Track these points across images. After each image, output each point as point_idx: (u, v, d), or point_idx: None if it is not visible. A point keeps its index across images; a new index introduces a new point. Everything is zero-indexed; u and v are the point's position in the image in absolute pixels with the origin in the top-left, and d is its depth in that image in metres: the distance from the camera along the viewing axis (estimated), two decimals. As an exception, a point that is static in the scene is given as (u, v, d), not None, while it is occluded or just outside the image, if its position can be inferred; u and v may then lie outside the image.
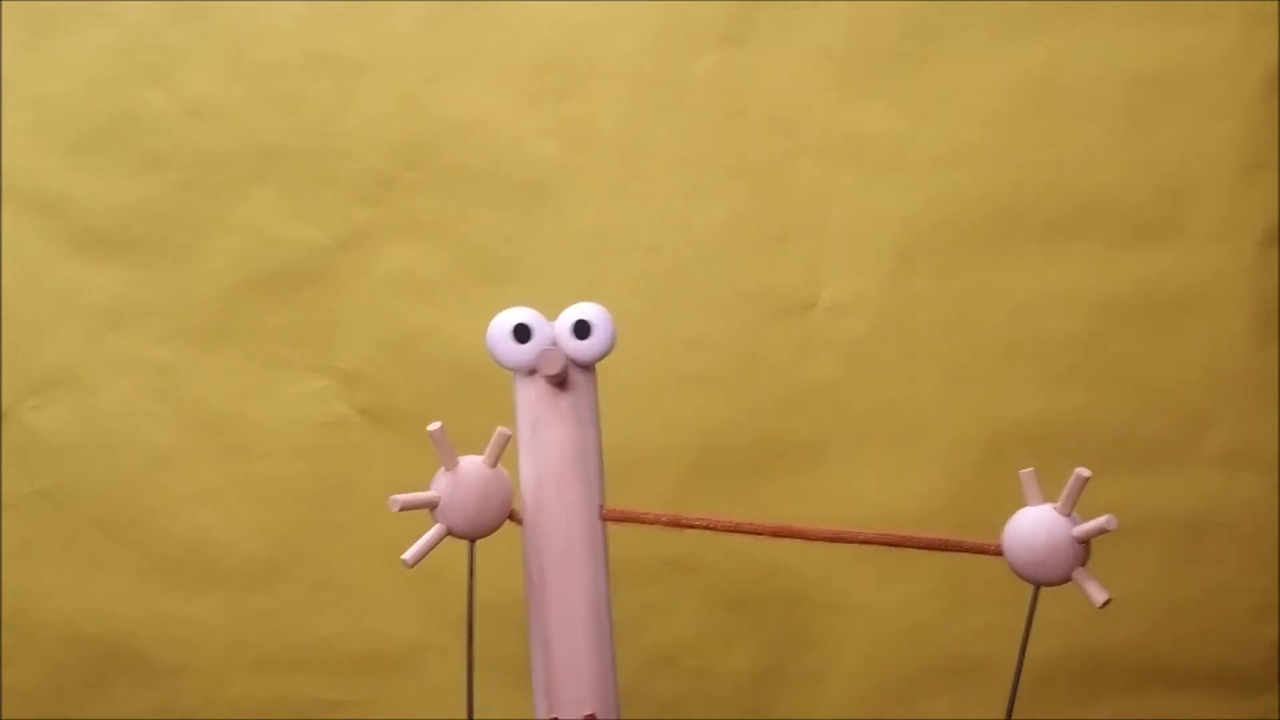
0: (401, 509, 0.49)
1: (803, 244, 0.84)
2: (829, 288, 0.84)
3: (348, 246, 0.85)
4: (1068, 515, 0.50)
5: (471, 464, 0.51)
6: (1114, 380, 0.83)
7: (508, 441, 0.51)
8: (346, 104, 0.84)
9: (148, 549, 0.86)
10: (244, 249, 0.85)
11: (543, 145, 0.84)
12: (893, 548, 0.54)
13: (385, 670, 0.87)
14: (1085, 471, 0.49)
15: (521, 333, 0.52)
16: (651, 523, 0.53)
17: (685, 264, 0.84)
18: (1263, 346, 0.83)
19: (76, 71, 0.84)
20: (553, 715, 0.53)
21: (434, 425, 0.50)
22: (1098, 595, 0.49)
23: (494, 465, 0.52)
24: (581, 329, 0.52)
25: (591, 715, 0.53)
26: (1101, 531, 0.49)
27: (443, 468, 0.51)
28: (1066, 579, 0.50)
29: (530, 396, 0.53)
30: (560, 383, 0.52)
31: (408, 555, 0.49)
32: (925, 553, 0.55)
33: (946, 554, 0.54)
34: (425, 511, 0.84)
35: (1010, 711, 0.57)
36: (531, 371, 0.52)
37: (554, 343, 0.52)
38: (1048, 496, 0.52)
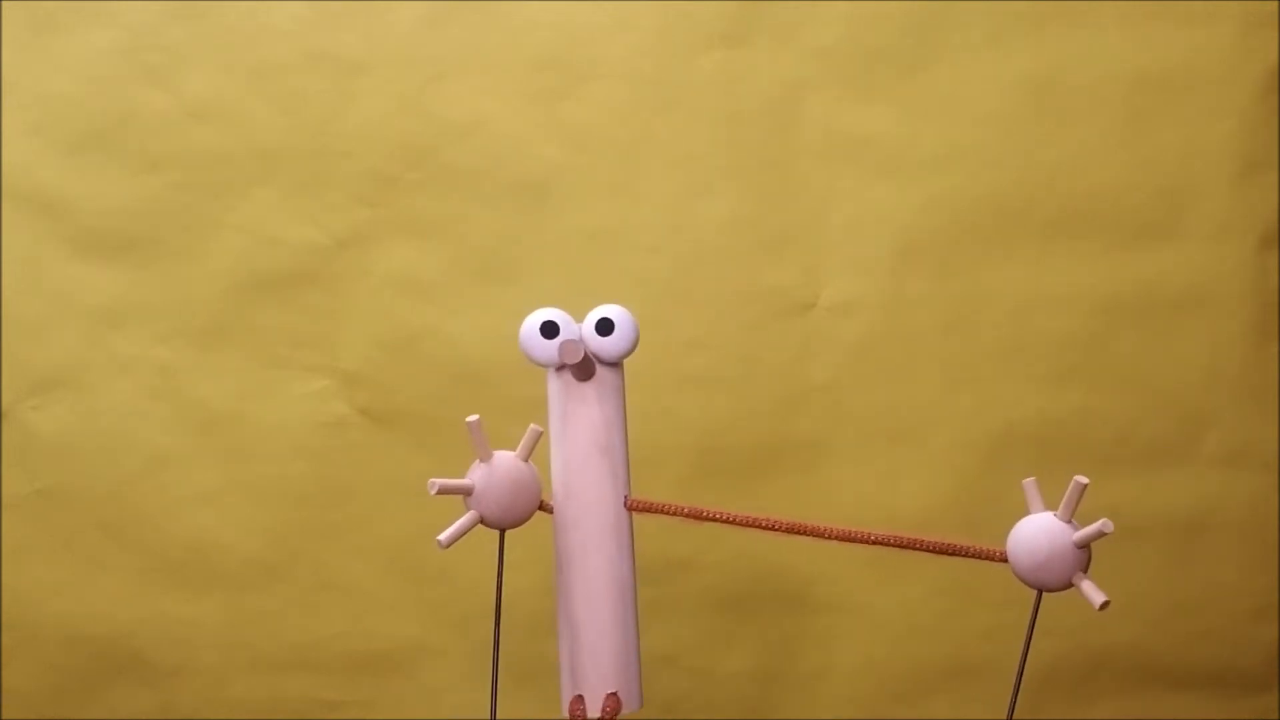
0: (439, 492, 0.52)
1: (803, 244, 0.84)
2: (829, 288, 0.84)
3: (348, 246, 0.85)
4: (1068, 522, 0.52)
5: (505, 457, 0.55)
6: (1114, 380, 0.83)
7: (539, 438, 0.55)
8: (346, 104, 0.84)
9: (147, 549, 0.86)
10: (244, 249, 0.85)
11: (543, 145, 0.84)
12: (897, 549, 0.55)
13: (385, 670, 0.86)
14: (1084, 479, 0.51)
15: (549, 329, 0.55)
16: (673, 514, 0.56)
17: (685, 264, 0.84)
18: (1262, 346, 0.83)
19: (76, 71, 0.84)
20: (577, 693, 0.56)
21: (472, 417, 0.53)
22: (1097, 598, 0.50)
23: (526, 459, 0.55)
24: (604, 326, 0.56)
25: (614, 694, 0.56)
26: (1099, 536, 0.50)
27: (478, 459, 0.54)
28: (1068, 584, 0.52)
29: (560, 391, 0.57)
30: (583, 375, 0.55)
31: (443, 536, 0.52)
32: (925, 556, 0.57)
33: (949, 555, 0.55)
34: (425, 513, 0.85)
35: (1011, 715, 0.58)
36: (560, 367, 0.56)
37: (578, 338, 0.55)
38: (1048, 499, 0.53)
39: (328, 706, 0.86)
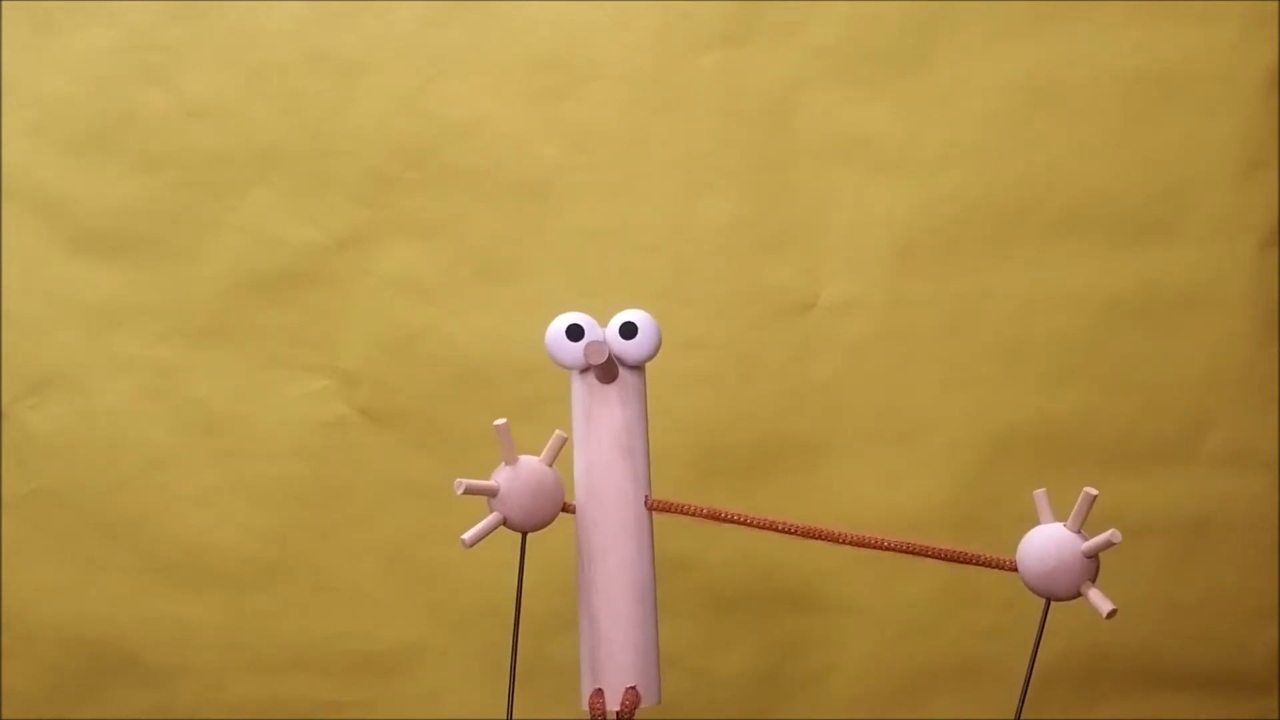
0: (465, 492, 0.52)
1: (803, 244, 0.84)
2: (829, 288, 0.84)
3: (348, 246, 0.85)
4: (1077, 532, 0.54)
5: (530, 461, 0.56)
6: (1114, 380, 0.83)
7: (564, 444, 0.56)
8: (346, 104, 0.84)
9: (146, 549, 0.86)
10: (244, 249, 0.85)
11: (543, 145, 0.84)
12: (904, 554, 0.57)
13: (384, 671, 0.86)
14: (1093, 491, 0.52)
15: (574, 332, 0.56)
16: (693, 514, 0.57)
17: (685, 264, 0.84)
18: (1263, 346, 0.83)
19: (76, 71, 0.85)
20: (597, 687, 0.57)
21: (499, 421, 0.54)
22: (1104, 607, 0.52)
23: (550, 464, 0.56)
24: (628, 330, 0.57)
25: (633, 688, 0.57)
26: (1108, 546, 0.52)
27: (503, 462, 0.55)
28: (1077, 593, 0.54)
29: (584, 393, 0.58)
30: (607, 378, 0.57)
31: (467, 536, 0.52)
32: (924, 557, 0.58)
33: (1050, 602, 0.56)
34: (425, 513, 0.85)
35: (1021, 705, 0.59)
36: (585, 369, 0.57)
37: (603, 340, 0.56)
38: (1050, 499, 0.54)
39: (327, 707, 0.86)
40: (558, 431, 0.56)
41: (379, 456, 0.85)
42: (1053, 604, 0.55)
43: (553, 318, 0.58)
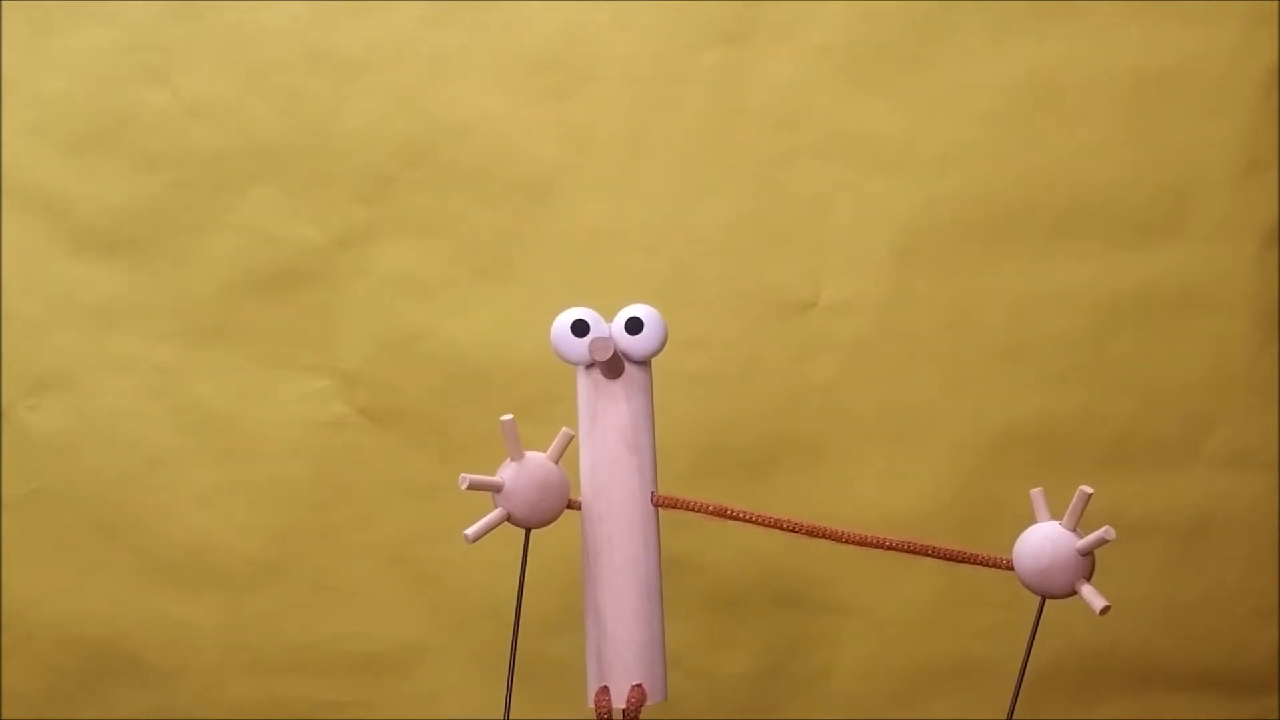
0: (469, 487, 0.52)
1: (803, 244, 0.84)
2: (829, 288, 0.84)
3: (347, 246, 0.85)
4: (1072, 530, 0.54)
5: (536, 457, 0.56)
6: (1114, 380, 0.83)
7: (570, 441, 0.56)
8: (346, 103, 0.84)
9: (145, 549, 0.86)
10: (243, 249, 0.85)
11: (542, 145, 0.84)
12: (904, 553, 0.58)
13: (384, 671, 0.86)
14: (1088, 489, 0.53)
15: (579, 328, 0.56)
16: (698, 510, 0.57)
17: (685, 264, 0.84)
18: (1264, 346, 0.83)
19: (76, 71, 0.84)
20: (603, 684, 0.57)
21: (506, 417, 0.54)
22: (1098, 604, 0.53)
23: (556, 461, 0.56)
24: (634, 325, 0.57)
25: (639, 685, 0.56)
26: (1101, 543, 0.52)
27: (509, 458, 0.55)
28: (1071, 591, 0.54)
29: (590, 389, 0.58)
30: (612, 372, 0.57)
31: (469, 531, 0.53)
32: (925, 557, 0.58)
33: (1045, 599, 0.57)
34: (425, 513, 0.85)
35: (1013, 706, 0.59)
36: (590, 365, 0.57)
37: (608, 336, 0.56)
38: (1050, 500, 0.54)
39: (327, 707, 0.86)
40: (565, 429, 0.56)
41: (379, 456, 0.85)
42: (1052, 605, 0.55)
43: (553, 317, 0.58)
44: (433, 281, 0.85)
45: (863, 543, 0.57)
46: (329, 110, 0.84)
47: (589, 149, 0.84)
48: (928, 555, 0.57)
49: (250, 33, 0.84)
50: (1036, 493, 0.55)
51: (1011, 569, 0.56)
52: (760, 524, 0.57)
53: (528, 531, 0.57)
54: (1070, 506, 0.54)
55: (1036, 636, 0.85)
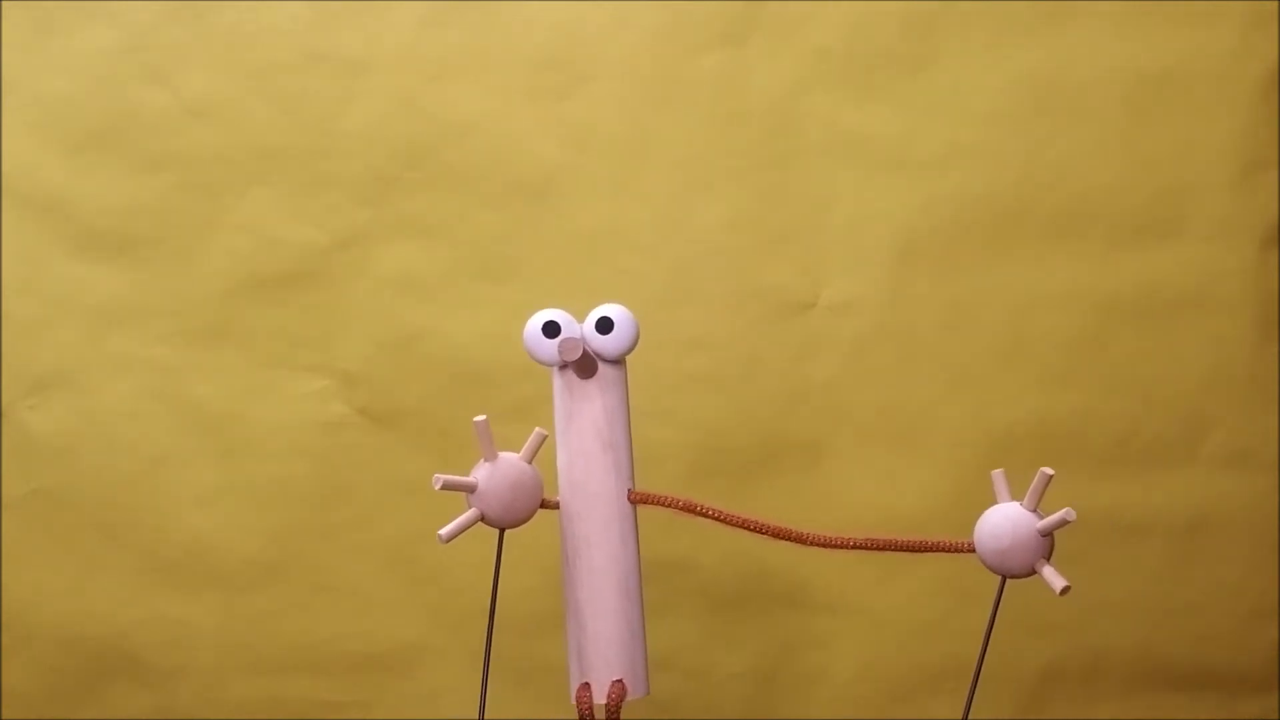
0: (443, 487, 0.53)
1: (803, 244, 0.84)
2: (829, 288, 0.84)
3: (348, 246, 0.85)
4: (1033, 511, 0.54)
5: (509, 457, 0.56)
6: (1114, 380, 0.83)
7: (543, 441, 0.57)
8: (346, 104, 0.84)
9: (146, 549, 0.86)
10: (244, 249, 0.85)
11: (543, 145, 0.84)
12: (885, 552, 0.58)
13: (384, 671, 0.86)
14: (1049, 470, 0.53)
15: (551, 329, 0.57)
16: (670, 505, 0.58)
17: (685, 264, 0.84)
18: (1263, 346, 0.83)
19: (76, 71, 0.84)
20: (584, 680, 0.57)
21: (479, 417, 0.54)
22: (1057, 583, 0.53)
23: (530, 461, 0.57)
24: (604, 325, 0.57)
25: (619, 681, 0.56)
26: (1062, 524, 0.52)
27: (483, 458, 0.56)
28: (1031, 571, 0.54)
29: (564, 389, 0.58)
30: (584, 372, 0.57)
31: (443, 531, 0.53)
32: (924, 555, 0.58)
33: (947, 554, 0.57)
34: (424, 513, 0.85)
35: (969, 708, 0.59)
36: (564, 365, 0.57)
37: (579, 337, 0.57)
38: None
39: (327, 707, 0.86)
40: (538, 429, 0.57)
41: (379, 456, 0.85)
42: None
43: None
44: (433, 282, 0.85)
45: (827, 544, 0.57)
46: (329, 111, 0.84)
47: (589, 149, 0.84)
48: (890, 550, 0.57)
49: (251, 33, 0.84)
50: (998, 474, 0.56)
51: (972, 551, 0.56)
52: (728, 523, 0.58)
53: (501, 531, 0.57)
54: (1031, 487, 0.54)
55: (1034, 633, 0.85)
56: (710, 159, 0.84)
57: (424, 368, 0.85)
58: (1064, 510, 0.52)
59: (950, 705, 0.85)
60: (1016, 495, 0.55)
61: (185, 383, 0.85)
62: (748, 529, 0.58)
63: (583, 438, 0.58)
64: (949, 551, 0.57)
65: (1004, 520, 0.54)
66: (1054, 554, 0.55)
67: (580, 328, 0.58)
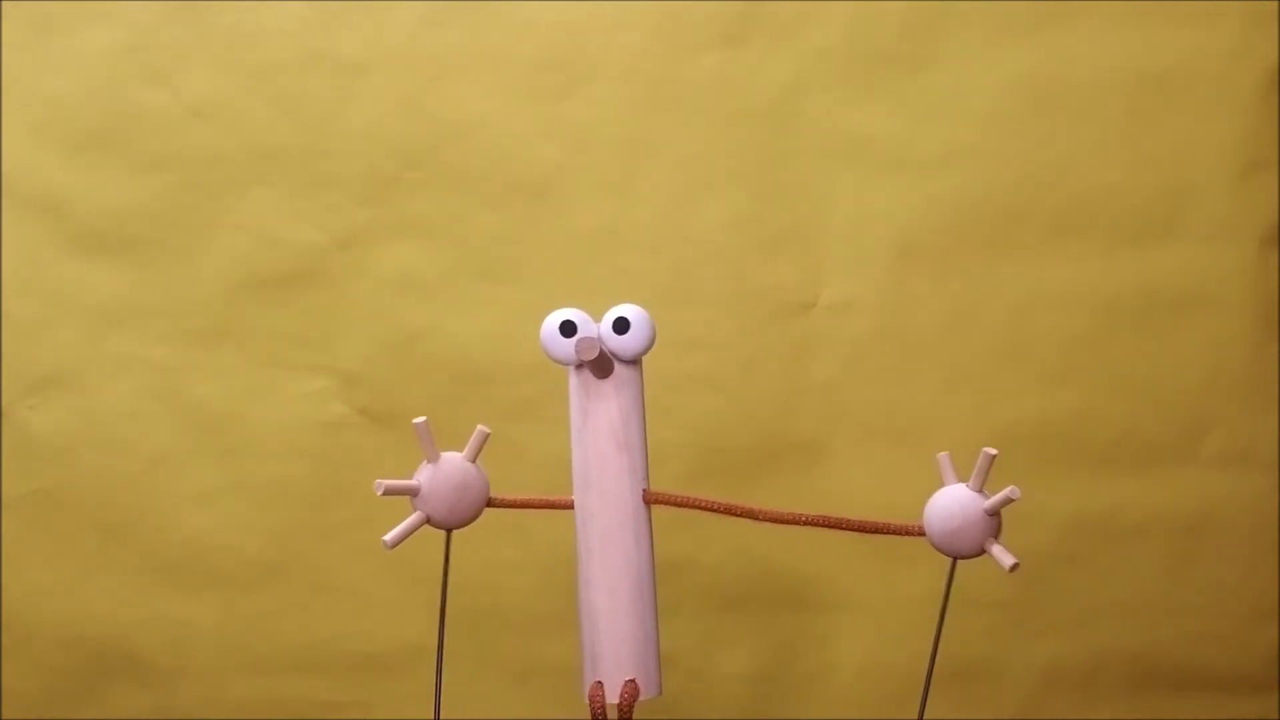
0: (385, 493, 0.54)
1: (803, 244, 0.84)
2: (829, 288, 0.84)
3: (348, 246, 0.85)
4: (979, 492, 0.55)
5: (452, 458, 0.57)
6: (1114, 380, 0.83)
7: (486, 439, 0.57)
8: (346, 104, 0.84)
9: (146, 549, 0.86)
10: (244, 249, 0.85)
11: (543, 145, 0.84)
12: (857, 532, 0.59)
13: (384, 671, 0.86)
14: (992, 450, 0.54)
15: (568, 329, 0.57)
16: (686, 505, 0.58)
17: (685, 264, 0.84)
18: (1263, 346, 0.83)
19: (76, 71, 0.85)
20: (596, 679, 0.57)
21: (419, 419, 0.55)
22: (1006, 561, 0.53)
23: (473, 460, 0.57)
24: (621, 325, 0.57)
25: (632, 681, 0.57)
26: (1008, 502, 0.53)
27: (425, 459, 0.56)
28: (980, 551, 0.55)
29: (579, 388, 0.58)
30: (600, 372, 0.57)
31: (388, 537, 0.54)
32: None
33: (957, 560, 0.58)
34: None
35: (924, 701, 0.60)
36: (580, 365, 0.57)
37: (596, 336, 0.57)
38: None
39: (327, 707, 0.86)
40: (480, 427, 0.57)
41: (379, 456, 0.85)
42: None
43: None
44: (433, 282, 0.85)
45: (778, 519, 0.58)
46: (329, 111, 0.84)
47: (589, 149, 0.84)
48: (841, 529, 0.58)
49: (251, 33, 0.84)
50: (943, 456, 0.56)
51: (923, 535, 0.56)
52: (729, 513, 0.59)
53: (448, 533, 0.58)
54: (976, 468, 0.55)
55: (1034, 632, 0.85)
56: (710, 159, 0.84)
57: (424, 368, 0.85)
58: (1008, 489, 0.52)
59: (951, 705, 0.85)
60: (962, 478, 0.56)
61: (185, 383, 0.85)
62: (701, 509, 0.58)
63: (598, 438, 0.58)
64: (899, 534, 0.58)
65: (952, 502, 0.55)
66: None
67: (596, 327, 0.58)
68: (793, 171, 0.84)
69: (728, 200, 0.84)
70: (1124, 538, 0.84)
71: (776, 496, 0.84)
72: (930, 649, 0.59)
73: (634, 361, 0.59)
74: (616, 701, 0.57)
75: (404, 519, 0.55)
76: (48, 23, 0.85)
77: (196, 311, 0.85)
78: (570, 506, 0.59)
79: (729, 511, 0.58)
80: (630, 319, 0.57)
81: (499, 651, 0.86)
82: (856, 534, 0.60)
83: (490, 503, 0.58)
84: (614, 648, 0.57)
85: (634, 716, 0.56)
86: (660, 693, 0.59)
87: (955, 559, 0.56)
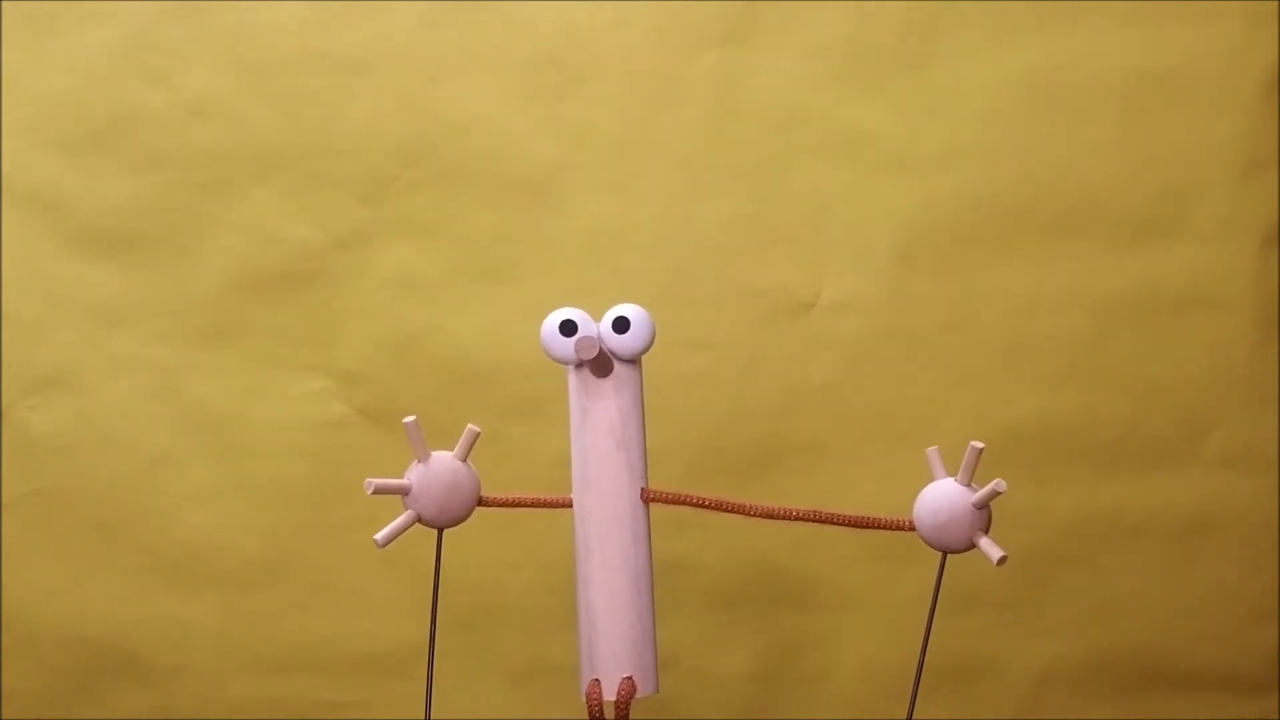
0: (375, 492, 0.54)
1: (803, 244, 0.84)
2: (829, 288, 0.84)
3: (347, 246, 0.85)
4: (967, 486, 0.55)
5: (442, 457, 0.57)
6: (1114, 380, 0.83)
7: (476, 438, 0.57)
8: (346, 103, 0.84)
9: (146, 549, 0.86)
10: (243, 249, 0.85)
11: (542, 145, 0.84)
12: (834, 526, 0.59)
13: (384, 671, 0.86)
14: (979, 444, 0.54)
15: (567, 328, 0.57)
16: (684, 504, 0.58)
17: (685, 264, 0.84)
18: (1264, 346, 0.83)
19: (76, 71, 0.85)
20: (594, 677, 0.58)
21: (408, 419, 0.55)
22: (995, 554, 0.53)
23: (464, 459, 0.57)
24: (620, 324, 0.57)
25: (629, 678, 0.57)
26: (994, 495, 0.53)
27: (415, 459, 0.57)
28: (970, 545, 0.55)
29: (579, 387, 0.59)
30: (600, 371, 0.57)
31: (379, 536, 0.54)
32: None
33: (947, 554, 0.57)
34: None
35: (915, 693, 0.60)
36: (579, 364, 0.58)
37: (595, 335, 0.57)
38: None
39: (327, 707, 0.86)
40: (470, 425, 0.57)
41: (379, 456, 0.85)
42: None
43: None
44: (433, 281, 0.85)
45: (770, 515, 0.58)
46: (329, 110, 0.84)
47: (589, 149, 0.84)
48: (832, 524, 0.58)
49: (250, 33, 0.84)
50: (932, 451, 0.57)
51: (913, 529, 0.56)
52: (729, 511, 0.59)
53: (440, 532, 0.58)
54: (964, 462, 0.54)
55: (1035, 632, 0.85)
56: (710, 159, 0.84)
57: (424, 367, 0.85)
58: (995, 481, 0.52)
59: (951, 705, 0.85)
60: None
61: (185, 383, 0.85)
62: (688, 504, 0.59)
63: (597, 436, 0.58)
64: (889, 529, 0.58)
65: (940, 496, 0.55)
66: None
67: (596, 327, 0.58)
68: (792, 171, 0.84)
69: (727, 200, 0.84)
70: (1124, 538, 0.84)
71: (776, 496, 0.83)
72: (923, 646, 0.58)
73: (634, 361, 0.59)
74: (613, 699, 0.57)
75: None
76: (47, 22, 0.85)
77: (196, 311, 0.85)
78: (563, 505, 0.59)
79: (719, 507, 0.59)
80: (630, 318, 0.57)
81: (497, 651, 0.86)
82: (856, 534, 0.59)
83: (481, 502, 0.58)
84: (612, 646, 0.58)
85: (632, 715, 0.56)
86: (658, 691, 0.59)
87: (945, 553, 0.56)
